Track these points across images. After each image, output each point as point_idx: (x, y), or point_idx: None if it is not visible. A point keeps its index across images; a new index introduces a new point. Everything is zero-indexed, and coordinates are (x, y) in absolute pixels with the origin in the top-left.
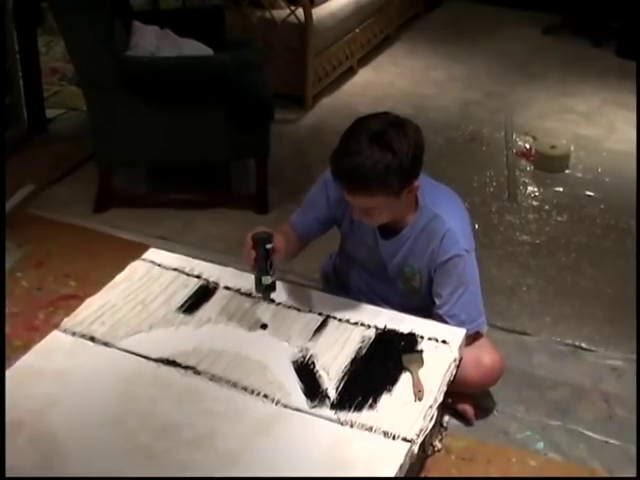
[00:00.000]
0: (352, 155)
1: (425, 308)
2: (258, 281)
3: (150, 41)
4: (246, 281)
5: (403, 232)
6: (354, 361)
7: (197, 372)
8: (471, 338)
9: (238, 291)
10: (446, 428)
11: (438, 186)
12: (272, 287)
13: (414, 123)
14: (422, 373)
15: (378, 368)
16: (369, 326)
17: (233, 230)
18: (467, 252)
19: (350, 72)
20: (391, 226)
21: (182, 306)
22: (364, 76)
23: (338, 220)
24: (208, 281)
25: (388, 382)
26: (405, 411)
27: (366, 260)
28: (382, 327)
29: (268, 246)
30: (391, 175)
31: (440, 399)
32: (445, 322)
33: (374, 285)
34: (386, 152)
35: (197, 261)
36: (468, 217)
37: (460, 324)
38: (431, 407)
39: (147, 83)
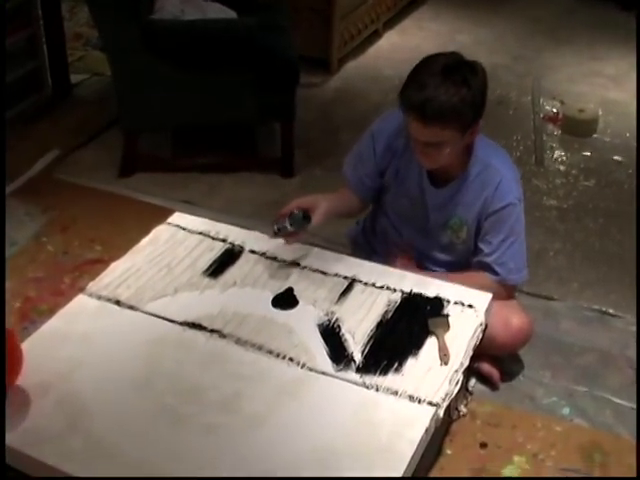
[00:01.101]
0: (427, 87)
1: (460, 261)
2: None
3: (174, 4)
4: (271, 244)
5: (455, 181)
6: (380, 325)
7: (222, 335)
8: (504, 295)
9: (263, 255)
10: (472, 393)
11: (487, 140)
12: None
13: (481, 64)
14: (448, 337)
15: (404, 332)
16: (395, 290)
17: (258, 194)
18: (519, 202)
19: (376, 35)
20: (441, 175)
21: (207, 270)
22: (390, 39)
23: (383, 172)
24: (233, 245)
25: (414, 346)
26: (431, 375)
27: (407, 212)
28: (408, 291)
29: (295, 228)
30: (465, 108)
31: (466, 363)
32: (492, 271)
33: (411, 239)
34: (461, 85)
35: (222, 225)
36: (517, 171)
37: (507, 272)
38: (457, 371)
39: (171, 46)
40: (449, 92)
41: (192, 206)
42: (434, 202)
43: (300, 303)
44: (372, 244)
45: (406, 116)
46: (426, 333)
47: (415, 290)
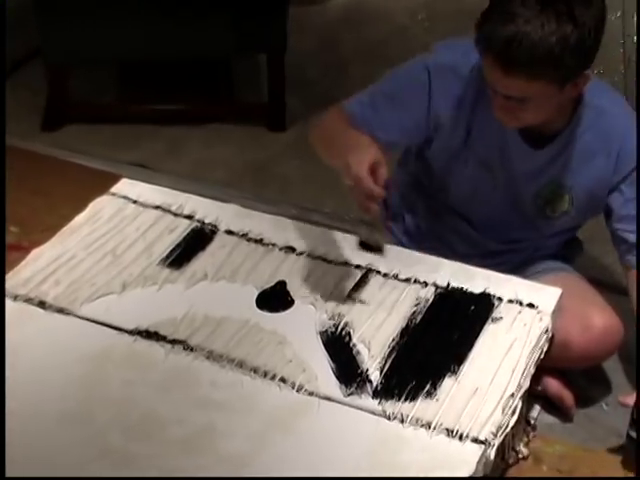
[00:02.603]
0: (517, 20)
1: (546, 243)
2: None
3: None
4: (256, 222)
5: (558, 138)
6: (405, 331)
7: (189, 348)
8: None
9: (245, 236)
10: (535, 426)
11: (597, 81)
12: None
13: None
14: (499, 348)
15: (439, 341)
16: (426, 283)
17: (237, 153)
18: None
19: None
20: (537, 130)
21: (167, 258)
22: None
23: (435, 127)
24: (203, 223)
25: (453, 361)
26: (476, 401)
27: (484, 186)
28: (444, 285)
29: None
30: (567, 53)
31: (525, 385)
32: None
33: (484, 219)
34: (565, 21)
35: (187, 196)
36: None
37: None
38: (513, 396)
39: None
40: (546, 29)
41: (146, 170)
42: (526, 168)
43: (295, 303)
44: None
45: (483, 57)
46: (470, 343)
47: (454, 284)
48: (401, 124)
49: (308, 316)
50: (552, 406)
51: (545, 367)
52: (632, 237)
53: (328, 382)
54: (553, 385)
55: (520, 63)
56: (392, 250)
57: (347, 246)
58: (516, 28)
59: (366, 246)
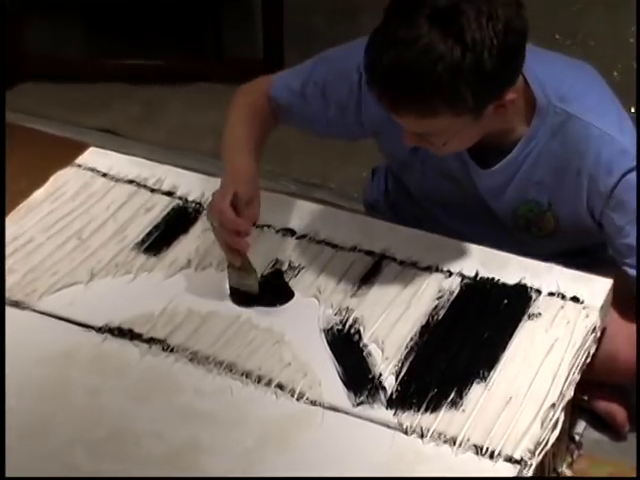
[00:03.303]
0: (399, 44)
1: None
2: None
3: None
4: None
5: (513, 153)
6: (425, 330)
7: (169, 348)
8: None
9: None
10: (580, 444)
11: (557, 60)
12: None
13: None
14: (537, 349)
15: (465, 341)
16: (450, 272)
17: (225, 118)
18: (634, 158)
19: None
20: (489, 145)
21: (143, 242)
22: None
23: (376, 135)
24: (186, 200)
25: (482, 365)
26: (510, 413)
27: (453, 199)
28: (471, 274)
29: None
30: (461, 81)
31: (569, 395)
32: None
33: (471, 234)
34: (454, 43)
35: (167, 168)
36: (614, 96)
37: None
38: (554, 407)
39: None
40: (433, 53)
41: (117, 137)
42: (486, 186)
43: (295, 295)
44: (403, 213)
45: (369, 89)
46: (503, 343)
47: (484, 273)
48: (332, 123)
49: (310, 311)
50: (600, 421)
51: (593, 378)
52: (633, 272)
53: (334, 389)
54: (602, 397)
55: (404, 98)
56: (410, 233)
57: (356, 228)
58: (396, 54)
59: (237, 293)
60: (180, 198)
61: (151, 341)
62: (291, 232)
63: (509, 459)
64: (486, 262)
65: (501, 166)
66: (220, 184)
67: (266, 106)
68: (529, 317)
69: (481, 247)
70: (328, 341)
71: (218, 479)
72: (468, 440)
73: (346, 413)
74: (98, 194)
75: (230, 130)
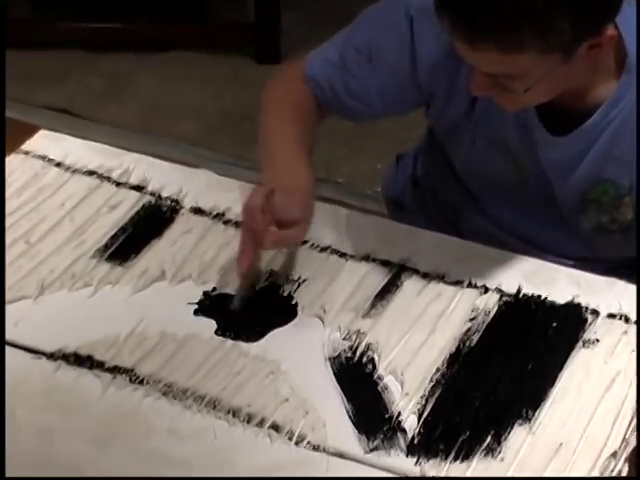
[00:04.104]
0: None
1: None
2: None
3: None
4: (236, 196)
5: (594, 118)
6: (455, 358)
7: (137, 380)
8: None
9: (220, 217)
10: None
11: None
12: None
13: None
14: (593, 386)
15: (505, 374)
16: (486, 288)
17: (210, 96)
18: None
19: None
20: (562, 108)
21: (107, 247)
22: None
23: (430, 93)
24: (159, 197)
25: (525, 402)
26: (561, 462)
27: (505, 177)
28: (513, 290)
29: None
30: (557, 7)
31: (633, 441)
32: None
33: (520, 225)
34: None
35: (137, 156)
36: None
37: None
38: (615, 456)
39: None
40: None
41: (75, 119)
42: (552, 159)
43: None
44: (437, 207)
45: (439, 20)
46: (551, 376)
47: (528, 288)
48: (384, 93)
49: (312, 334)
50: None
51: None
52: None
53: (341, 431)
54: None
55: (485, 24)
56: (437, 239)
57: (370, 232)
58: None
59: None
60: (152, 194)
61: (115, 371)
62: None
63: None
64: (530, 275)
65: (576, 134)
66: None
67: (306, 93)
68: (584, 344)
69: (524, 257)
70: (335, 372)
71: (226, 479)
72: None
73: (356, 461)
74: (51, 188)
75: (268, 133)
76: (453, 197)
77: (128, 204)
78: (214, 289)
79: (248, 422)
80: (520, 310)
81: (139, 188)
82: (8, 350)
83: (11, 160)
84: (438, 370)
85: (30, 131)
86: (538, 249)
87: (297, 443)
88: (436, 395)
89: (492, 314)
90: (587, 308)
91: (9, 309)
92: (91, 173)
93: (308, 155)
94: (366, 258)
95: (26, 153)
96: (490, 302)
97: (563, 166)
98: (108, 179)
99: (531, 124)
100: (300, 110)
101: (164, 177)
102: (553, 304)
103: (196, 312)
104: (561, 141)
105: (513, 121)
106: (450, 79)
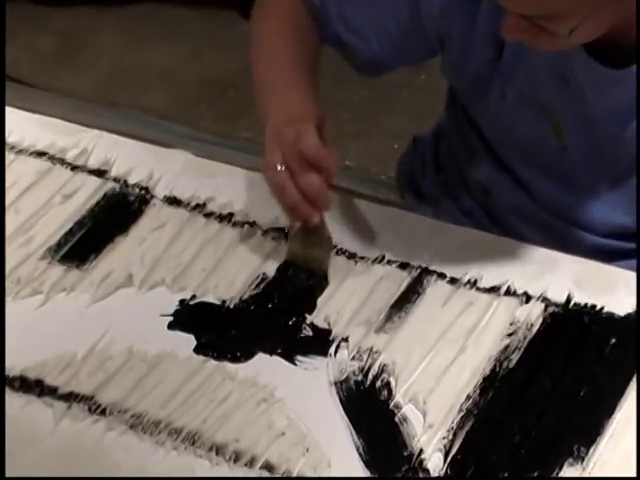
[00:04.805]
0: None
1: None
2: None
3: None
4: (219, 183)
5: None
6: (490, 383)
7: (98, 409)
8: None
9: (199, 208)
10: None
11: None
12: None
13: None
14: None
15: (551, 401)
16: (528, 296)
17: (187, 59)
18: None
19: None
20: (613, 41)
21: (61, 246)
22: None
23: (441, 47)
24: (126, 183)
25: (576, 436)
26: None
27: (543, 139)
28: (561, 299)
29: None
30: None
31: None
32: None
33: (561, 199)
34: None
35: (98, 133)
36: None
37: None
38: None
39: None
40: None
41: (20, 86)
42: (610, 103)
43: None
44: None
45: None
46: (608, 405)
47: (579, 297)
48: (378, 24)
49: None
50: None
51: None
52: None
53: (350, 471)
54: None
55: None
56: (466, 235)
57: (384, 227)
58: None
59: (296, 275)
60: (116, 180)
61: (71, 398)
62: (284, 233)
63: None
64: (583, 280)
65: (631, 70)
66: (267, 135)
67: (303, 11)
68: None
69: (574, 257)
70: (341, 399)
71: (224, 479)
72: None
73: None
74: None
75: (263, 53)
76: (482, 172)
77: (86, 192)
78: (193, 297)
79: (235, 461)
80: (570, 323)
81: (100, 173)
82: None
83: None
84: (469, 397)
85: None
86: (579, 228)
87: None
88: (466, 428)
89: (535, 328)
90: None
91: None
92: (41, 154)
93: (313, 75)
94: (380, 260)
95: None
96: (533, 313)
97: (622, 112)
98: (62, 161)
99: (576, 64)
100: (299, 30)
101: (131, 159)
102: (611, 315)
103: (170, 325)
104: (621, 76)
105: (550, 66)
106: (466, 23)
